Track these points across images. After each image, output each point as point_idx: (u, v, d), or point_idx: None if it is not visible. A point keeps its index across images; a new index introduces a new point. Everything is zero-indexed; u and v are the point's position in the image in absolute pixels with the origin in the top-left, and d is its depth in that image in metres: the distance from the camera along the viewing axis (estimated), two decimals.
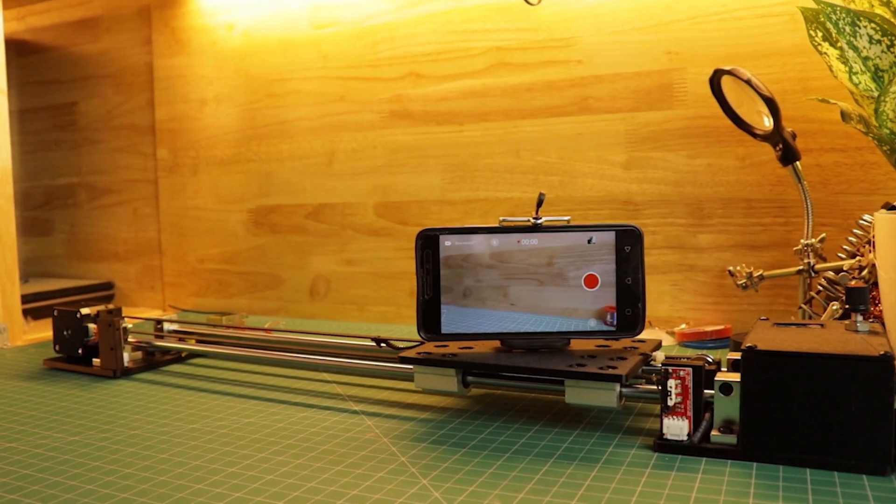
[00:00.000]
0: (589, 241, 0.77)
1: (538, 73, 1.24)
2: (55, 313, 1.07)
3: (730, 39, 1.11)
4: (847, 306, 0.70)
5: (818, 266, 0.97)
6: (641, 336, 1.12)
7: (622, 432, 0.72)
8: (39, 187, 1.84)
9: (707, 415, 0.68)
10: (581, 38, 1.20)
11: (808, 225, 0.99)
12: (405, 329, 1.31)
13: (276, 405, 0.85)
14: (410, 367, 0.81)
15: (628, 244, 0.76)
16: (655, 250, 1.18)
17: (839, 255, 0.96)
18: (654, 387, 0.71)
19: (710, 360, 0.70)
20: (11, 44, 1.80)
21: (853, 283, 0.90)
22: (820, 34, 0.83)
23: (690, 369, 0.66)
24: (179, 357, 1.09)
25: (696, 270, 1.16)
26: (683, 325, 1.14)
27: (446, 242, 0.78)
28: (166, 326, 1.10)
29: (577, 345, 0.80)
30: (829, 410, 0.60)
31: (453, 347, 0.81)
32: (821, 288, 0.96)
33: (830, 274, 0.94)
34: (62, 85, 1.78)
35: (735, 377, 0.65)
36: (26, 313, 1.43)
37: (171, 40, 1.59)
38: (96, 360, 1.02)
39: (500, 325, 0.78)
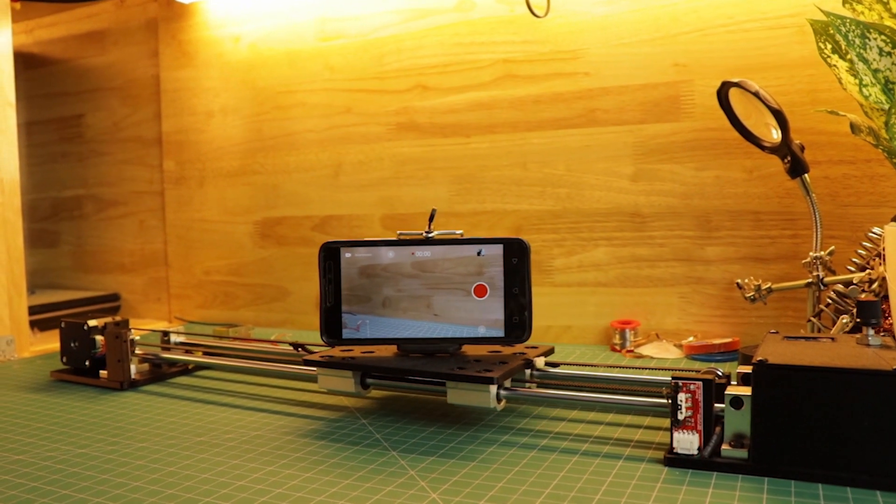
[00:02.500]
0: (479, 254, 0.82)
1: (545, 86, 1.24)
2: (62, 325, 1.07)
3: (738, 51, 1.11)
4: (858, 320, 0.70)
5: (827, 279, 0.96)
6: (644, 348, 1.12)
7: (632, 446, 0.71)
8: (46, 199, 1.84)
9: (718, 429, 0.68)
10: (588, 50, 1.20)
11: (816, 237, 0.98)
12: None
13: (284, 418, 0.84)
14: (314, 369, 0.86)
15: (515, 256, 0.81)
16: (663, 263, 1.18)
17: (848, 267, 0.96)
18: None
19: (721, 374, 0.70)
20: (19, 57, 1.81)
21: (863, 296, 0.90)
22: (829, 46, 0.83)
23: (701, 383, 0.66)
24: (186, 369, 1.09)
25: (704, 283, 1.15)
26: (691, 338, 1.14)
27: (346, 254, 0.84)
28: (173, 338, 1.10)
29: (471, 350, 0.85)
30: (841, 425, 0.60)
31: (357, 352, 0.86)
32: (830, 301, 0.95)
33: (840, 287, 0.94)
34: (69, 97, 1.78)
35: (746, 391, 0.65)
36: (33, 325, 1.43)
37: (178, 53, 1.60)
38: (103, 372, 1.02)
39: (399, 331, 0.83)
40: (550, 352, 0.87)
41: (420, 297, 0.83)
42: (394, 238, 0.84)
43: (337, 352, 0.86)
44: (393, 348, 0.86)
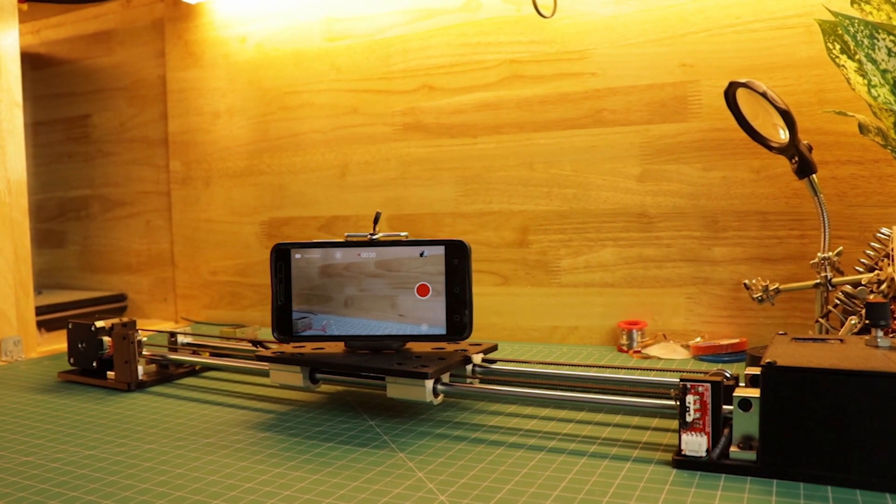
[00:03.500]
0: (421, 255, 0.85)
1: (552, 86, 1.24)
2: (70, 326, 1.07)
3: (744, 52, 1.11)
4: (867, 321, 0.70)
5: (835, 280, 0.96)
6: (651, 349, 1.12)
7: (640, 448, 0.71)
8: (53, 199, 1.84)
9: (726, 431, 0.68)
10: (595, 50, 1.20)
11: (824, 238, 0.98)
12: None
13: (293, 419, 0.84)
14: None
15: (456, 257, 0.84)
16: (670, 263, 1.17)
17: (856, 268, 0.95)
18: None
19: (729, 376, 0.70)
20: (26, 57, 1.81)
21: (872, 297, 0.89)
22: (838, 46, 0.83)
23: (709, 385, 0.66)
24: (193, 370, 1.09)
25: (711, 283, 1.15)
26: (698, 339, 1.13)
27: (296, 255, 0.88)
28: (180, 339, 1.10)
29: (417, 347, 0.89)
30: (850, 427, 0.60)
31: (308, 348, 0.90)
32: (838, 302, 0.95)
33: (848, 288, 0.94)
34: (76, 98, 1.78)
35: (754, 393, 0.64)
36: (39, 325, 1.43)
37: (185, 53, 1.60)
38: (111, 373, 1.02)
39: (348, 329, 0.87)
40: (492, 349, 0.91)
41: (371, 297, 0.86)
42: (341, 240, 0.88)
43: (290, 348, 0.90)
44: (342, 345, 0.90)
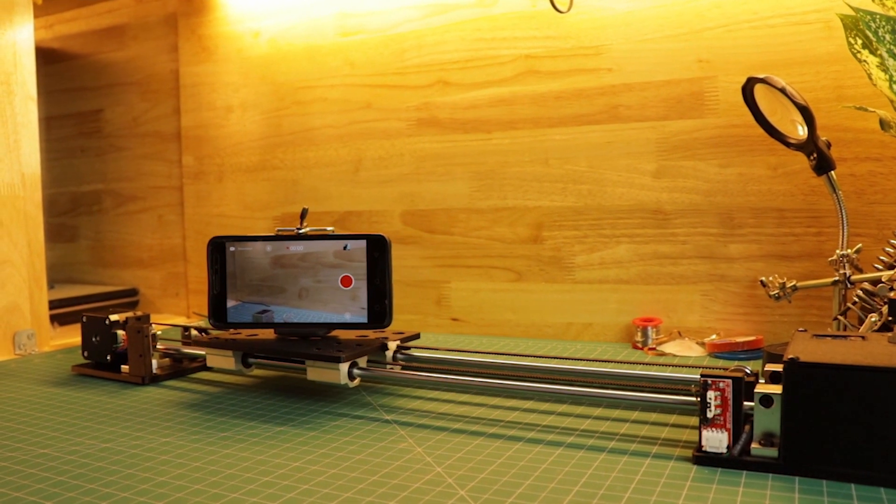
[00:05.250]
0: (345, 248, 0.91)
1: (567, 81, 1.23)
2: (84, 320, 1.07)
3: (762, 47, 1.10)
4: (889, 318, 0.69)
5: (854, 277, 0.95)
6: (666, 346, 1.11)
7: (659, 444, 0.71)
8: (65, 194, 1.85)
9: (747, 427, 0.67)
10: (611, 45, 1.20)
11: (842, 235, 0.97)
12: (431, 337, 1.30)
13: (308, 413, 0.84)
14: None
15: (377, 251, 0.90)
16: (686, 260, 1.17)
17: (875, 266, 0.95)
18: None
19: (749, 372, 0.69)
20: (39, 52, 1.81)
21: (893, 294, 0.89)
22: (859, 41, 0.82)
23: (730, 381, 0.65)
24: (206, 364, 1.08)
25: (727, 281, 1.14)
26: (714, 336, 1.13)
27: (231, 248, 0.94)
28: (194, 333, 1.10)
29: (343, 335, 0.95)
30: (874, 424, 0.59)
31: (244, 335, 0.96)
32: (857, 299, 0.94)
33: (867, 285, 0.93)
34: (88, 92, 1.79)
35: (776, 389, 0.64)
36: (52, 319, 1.44)
37: (198, 48, 1.60)
38: (125, 367, 1.02)
39: (278, 316, 0.93)
40: (412, 338, 0.97)
41: (299, 288, 0.92)
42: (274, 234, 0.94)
43: (228, 334, 0.97)
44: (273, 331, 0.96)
